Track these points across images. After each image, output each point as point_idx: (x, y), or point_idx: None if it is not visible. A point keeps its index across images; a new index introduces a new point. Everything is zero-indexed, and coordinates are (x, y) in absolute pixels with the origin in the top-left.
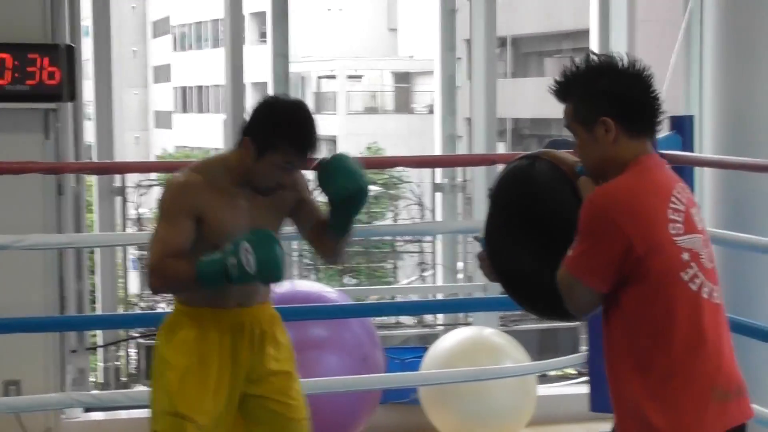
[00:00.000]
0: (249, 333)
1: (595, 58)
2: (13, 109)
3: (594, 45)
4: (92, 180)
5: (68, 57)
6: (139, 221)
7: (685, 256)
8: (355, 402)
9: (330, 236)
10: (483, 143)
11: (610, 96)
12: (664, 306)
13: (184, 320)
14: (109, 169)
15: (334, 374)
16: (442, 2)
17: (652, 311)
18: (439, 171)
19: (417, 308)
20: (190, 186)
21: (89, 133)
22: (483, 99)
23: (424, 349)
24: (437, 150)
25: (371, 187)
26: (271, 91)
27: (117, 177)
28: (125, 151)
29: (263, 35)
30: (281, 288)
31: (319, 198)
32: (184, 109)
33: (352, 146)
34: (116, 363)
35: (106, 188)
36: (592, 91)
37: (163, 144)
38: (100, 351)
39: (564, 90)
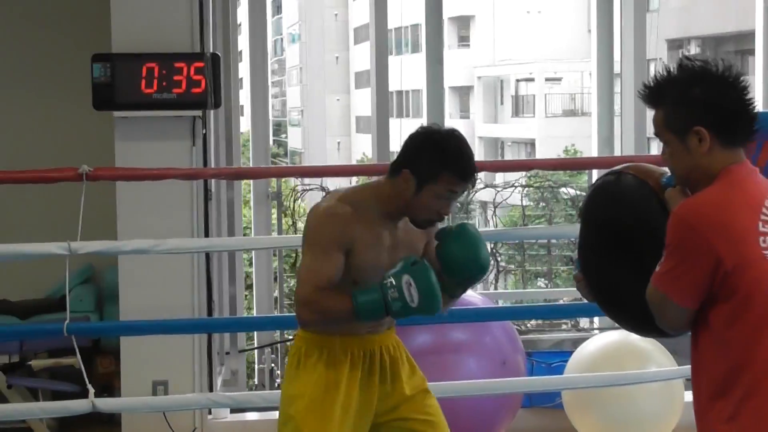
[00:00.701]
0: (379, 361)
1: (689, 63)
2: (161, 117)
3: (759, 47)
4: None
5: (213, 65)
6: (293, 225)
7: None
8: (495, 406)
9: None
10: (632, 145)
11: (705, 104)
12: (751, 324)
13: (312, 348)
14: (241, 174)
15: (473, 378)
16: (599, 3)
17: (740, 329)
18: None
19: (548, 312)
20: (341, 217)
21: (295, 138)
22: (632, 100)
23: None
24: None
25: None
26: (425, 99)
27: (274, 182)
28: (328, 156)
29: (463, 39)
30: None
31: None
32: None
33: (550, 149)
34: (272, 365)
35: (262, 193)
36: (686, 98)
37: (364, 149)
38: (256, 353)
39: (655, 96)
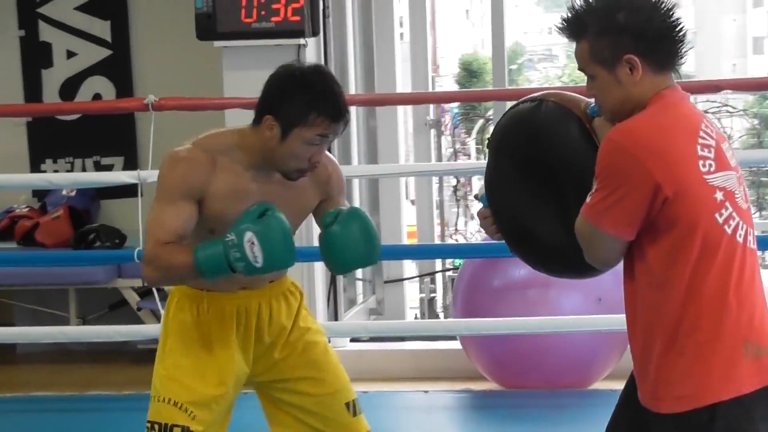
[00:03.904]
0: (256, 318)
1: None
2: (263, 46)
3: None
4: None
5: None
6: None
7: (719, 195)
8: (590, 344)
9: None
10: None
11: (632, 30)
12: (696, 253)
13: (184, 302)
14: None
15: (566, 314)
16: None
17: (684, 259)
18: None
19: None
20: (191, 162)
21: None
22: None
23: None
24: None
25: None
26: None
27: (431, 109)
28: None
29: None
30: None
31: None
32: None
33: None
34: (432, 294)
35: (421, 121)
36: (611, 26)
37: (758, 71)
38: (418, 282)
39: (576, 27)
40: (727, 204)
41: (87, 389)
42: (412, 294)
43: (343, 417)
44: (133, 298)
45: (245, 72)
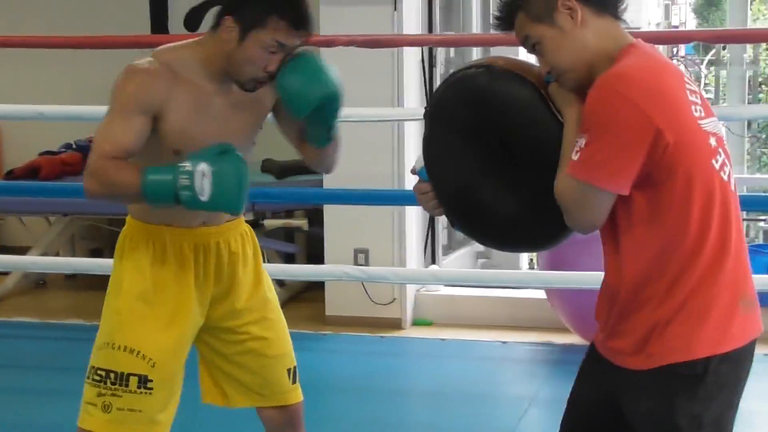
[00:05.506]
0: (215, 257)
1: None
2: None
3: None
4: None
5: None
6: None
7: (712, 141)
8: None
9: (311, 145)
10: None
11: None
12: (698, 202)
13: (139, 239)
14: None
15: None
16: None
17: (686, 210)
18: None
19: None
20: (146, 74)
21: None
22: None
23: None
24: None
25: None
26: None
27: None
28: None
29: None
30: None
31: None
32: None
33: None
34: None
35: None
36: None
37: None
38: None
39: (509, 10)
40: (720, 150)
41: None
42: None
43: (282, 382)
44: None
45: (342, 8)
